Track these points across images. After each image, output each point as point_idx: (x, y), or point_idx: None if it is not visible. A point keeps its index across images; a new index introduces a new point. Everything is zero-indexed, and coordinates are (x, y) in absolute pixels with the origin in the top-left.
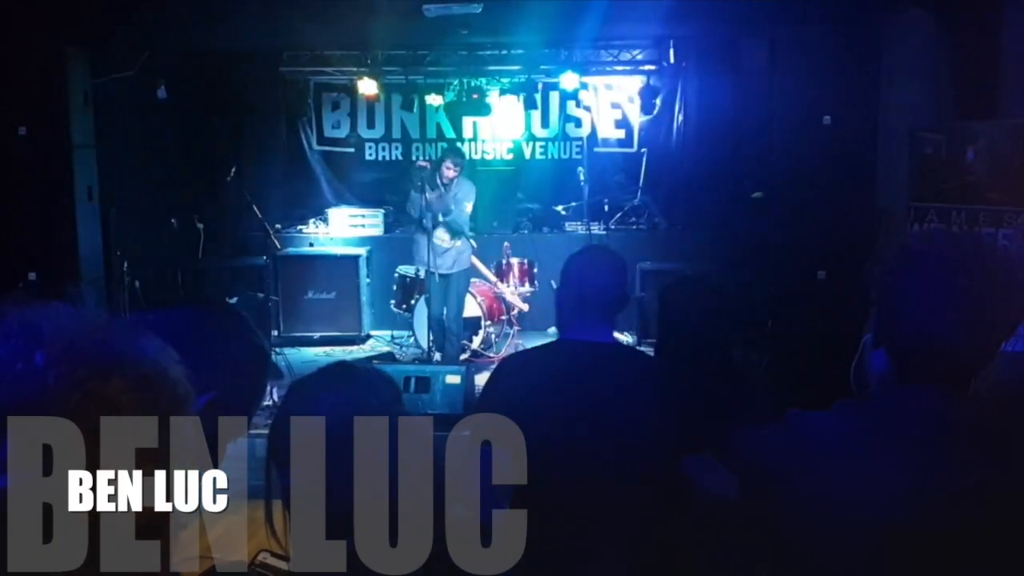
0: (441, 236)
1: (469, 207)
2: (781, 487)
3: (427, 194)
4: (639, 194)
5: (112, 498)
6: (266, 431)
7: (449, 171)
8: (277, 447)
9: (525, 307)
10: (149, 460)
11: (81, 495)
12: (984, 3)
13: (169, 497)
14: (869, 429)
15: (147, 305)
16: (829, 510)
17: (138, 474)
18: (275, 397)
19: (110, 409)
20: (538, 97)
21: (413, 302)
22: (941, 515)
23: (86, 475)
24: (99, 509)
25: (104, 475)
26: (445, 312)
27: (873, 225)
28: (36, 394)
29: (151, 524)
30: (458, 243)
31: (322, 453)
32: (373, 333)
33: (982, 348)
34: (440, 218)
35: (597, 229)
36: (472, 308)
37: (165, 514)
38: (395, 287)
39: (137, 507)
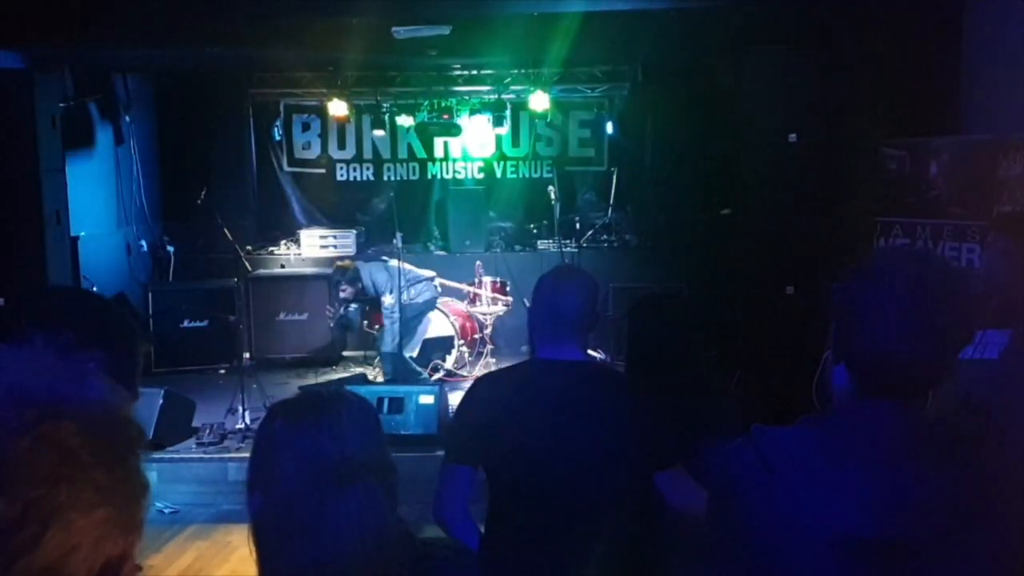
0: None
1: (388, 299)
2: (746, 501)
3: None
4: (610, 212)
5: (73, 546)
6: (238, 454)
7: (343, 292)
8: (257, 473)
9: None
10: (108, 503)
11: (43, 542)
12: (945, 20)
13: (129, 539)
14: (829, 443)
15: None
16: (792, 523)
17: (98, 517)
18: (247, 420)
19: (63, 452)
20: (508, 116)
21: (377, 328)
22: (900, 527)
23: (46, 521)
24: (60, 556)
25: (64, 521)
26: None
27: (840, 240)
28: None
29: (110, 568)
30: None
31: (303, 484)
32: (345, 354)
33: (939, 362)
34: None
35: (569, 247)
36: (445, 327)
37: (123, 558)
38: (367, 307)
39: (96, 553)
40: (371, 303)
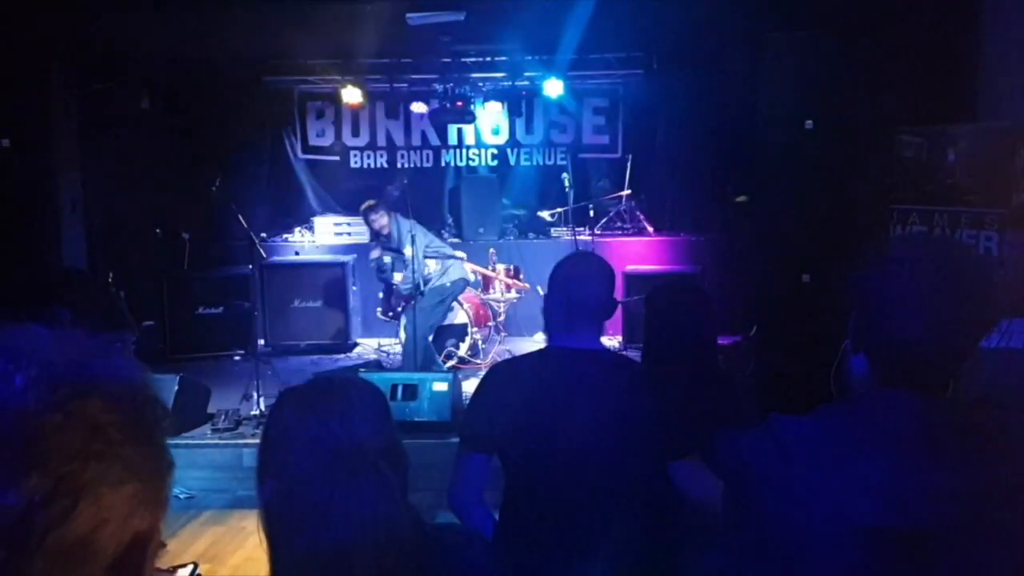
0: (397, 277)
1: (408, 251)
2: (762, 490)
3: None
4: (624, 199)
5: (102, 521)
6: (253, 440)
7: (380, 219)
8: (267, 459)
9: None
10: (136, 479)
11: (73, 516)
12: (963, 6)
13: (156, 515)
14: (848, 433)
15: (135, 316)
16: (810, 513)
17: (126, 492)
18: (262, 406)
19: (93, 428)
20: (522, 103)
21: (400, 309)
22: (918, 516)
23: (76, 496)
24: (89, 530)
25: (93, 496)
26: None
27: (856, 228)
28: (16, 417)
29: (137, 543)
30: (433, 266)
31: (312, 471)
32: (360, 341)
33: (959, 351)
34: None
35: (583, 235)
36: (459, 315)
37: (149, 533)
38: (381, 294)
39: (124, 528)
40: (388, 293)
